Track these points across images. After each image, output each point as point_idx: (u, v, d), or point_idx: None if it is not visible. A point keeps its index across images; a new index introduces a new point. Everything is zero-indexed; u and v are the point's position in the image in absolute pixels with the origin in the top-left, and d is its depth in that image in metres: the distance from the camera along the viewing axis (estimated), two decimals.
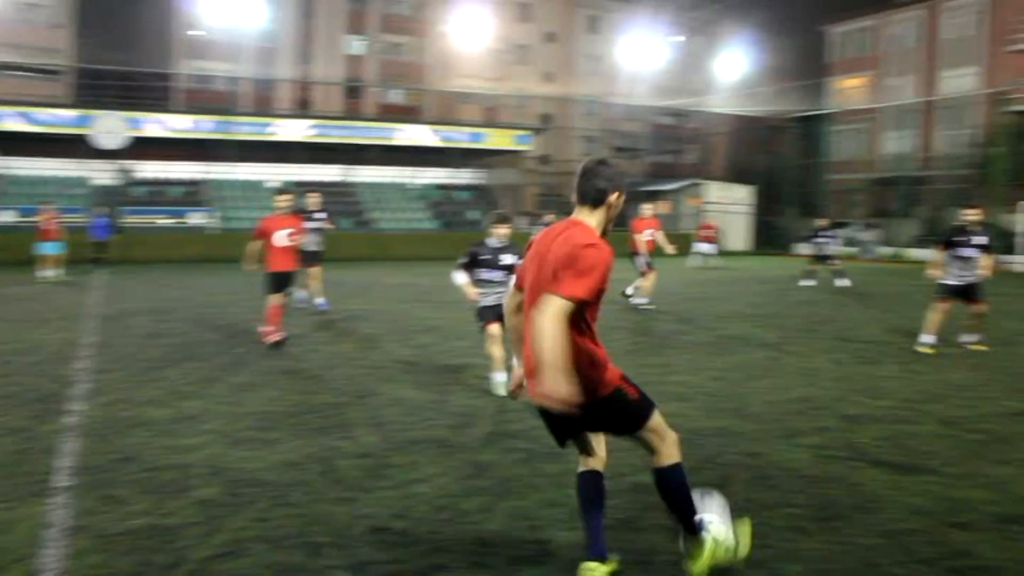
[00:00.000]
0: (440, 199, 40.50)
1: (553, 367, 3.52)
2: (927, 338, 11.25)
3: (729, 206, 44.01)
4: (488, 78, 56.27)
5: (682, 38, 64.85)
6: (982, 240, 11.18)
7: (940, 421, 7.31)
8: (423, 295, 18.23)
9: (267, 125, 38.60)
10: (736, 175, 51.01)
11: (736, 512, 4.91)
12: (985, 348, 11.28)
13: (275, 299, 10.87)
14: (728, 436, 6.70)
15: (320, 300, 14.83)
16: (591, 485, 4.07)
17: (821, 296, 19.07)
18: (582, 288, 3.60)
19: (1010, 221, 34.20)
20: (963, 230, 11.25)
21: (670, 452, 4.00)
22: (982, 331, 11.55)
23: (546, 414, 3.89)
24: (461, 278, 8.47)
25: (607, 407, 3.87)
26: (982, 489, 5.49)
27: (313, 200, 15.05)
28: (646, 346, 11.42)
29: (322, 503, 5.08)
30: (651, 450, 4.01)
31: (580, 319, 3.72)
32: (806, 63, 65.81)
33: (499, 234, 8.37)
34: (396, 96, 55.48)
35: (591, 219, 3.89)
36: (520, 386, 4.09)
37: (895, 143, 51.25)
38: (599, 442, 4.16)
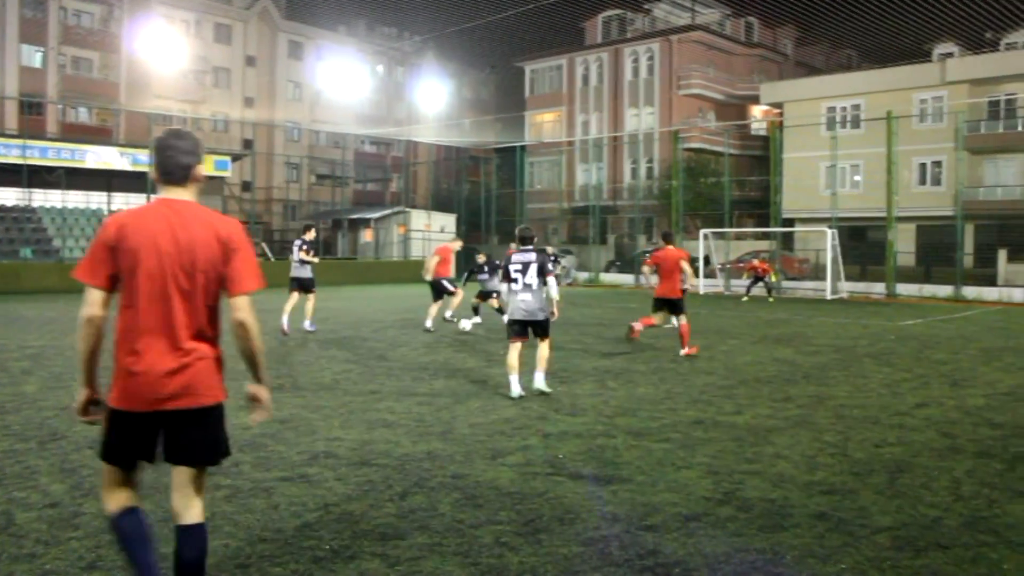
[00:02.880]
0: None
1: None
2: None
3: (433, 234, 45.00)
4: (186, 100, 54.04)
5: (384, 68, 65.81)
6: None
7: (631, 433, 7.87)
8: None
9: None
10: (439, 203, 52.26)
11: (444, 533, 5.01)
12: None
13: None
14: (435, 459, 6.82)
15: None
16: (139, 523, 3.52)
17: None
18: (260, 280, 3.57)
19: (693, 248, 37.55)
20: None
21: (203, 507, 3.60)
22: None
23: (133, 422, 3.42)
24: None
25: (210, 418, 3.51)
26: (668, 492, 5.97)
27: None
28: (355, 374, 11.38)
29: None
30: (199, 493, 3.56)
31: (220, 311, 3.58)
32: (507, 97, 69.07)
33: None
34: (83, 115, 51.78)
35: (190, 197, 3.60)
36: (93, 405, 3.54)
37: (587, 174, 54.82)
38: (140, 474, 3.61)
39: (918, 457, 7.07)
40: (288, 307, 15.62)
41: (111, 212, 38.60)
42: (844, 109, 46.54)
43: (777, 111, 49.95)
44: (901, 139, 34.22)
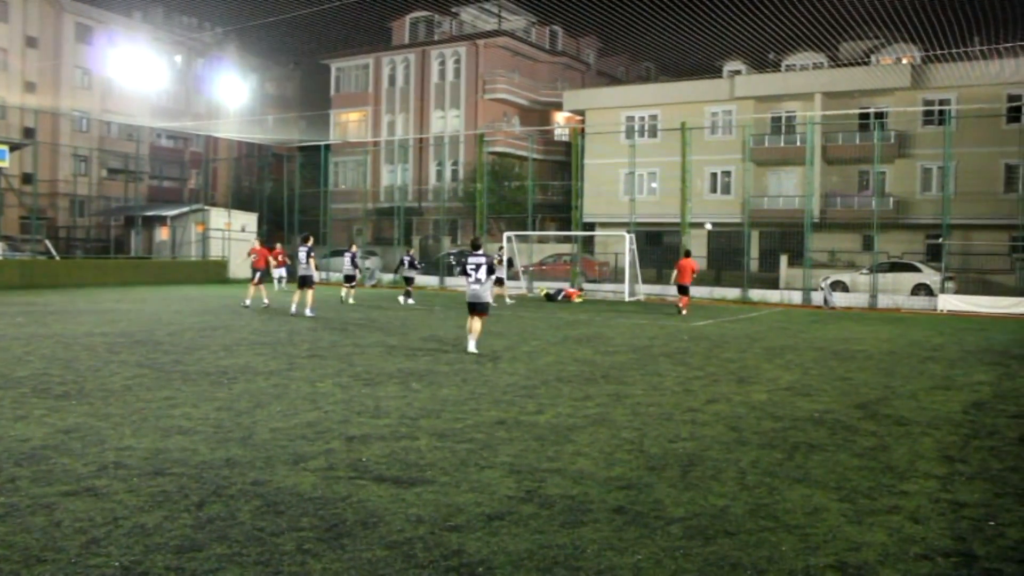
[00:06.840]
0: None
1: None
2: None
3: (233, 233, 43.47)
4: None
5: (183, 58, 63.15)
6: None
7: (435, 434, 7.88)
8: None
9: None
10: (240, 202, 50.58)
11: (244, 542, 4.84)
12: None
13: None
14: (234, 466, 6.58)
15: None
16: None
17: (324, 322, 19.59)
18: None
19: (494, 250, 38.08)
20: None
21: None
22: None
23: None
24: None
25: None
26: (471, 493, 6.01)
27: None
28: (148, 379, 10.82)
29: None
30: None
31: None
32: (312, 94, 67.71)
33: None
34: None
35: None
36: None
37: (392, 175, 54.59)
38: None
39: (708, 450, 7.46)
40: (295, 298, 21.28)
41: None
42: (642, 119, 48.50)
43: (579, 118, 51.45)
44: (694, 149, 36.06)
